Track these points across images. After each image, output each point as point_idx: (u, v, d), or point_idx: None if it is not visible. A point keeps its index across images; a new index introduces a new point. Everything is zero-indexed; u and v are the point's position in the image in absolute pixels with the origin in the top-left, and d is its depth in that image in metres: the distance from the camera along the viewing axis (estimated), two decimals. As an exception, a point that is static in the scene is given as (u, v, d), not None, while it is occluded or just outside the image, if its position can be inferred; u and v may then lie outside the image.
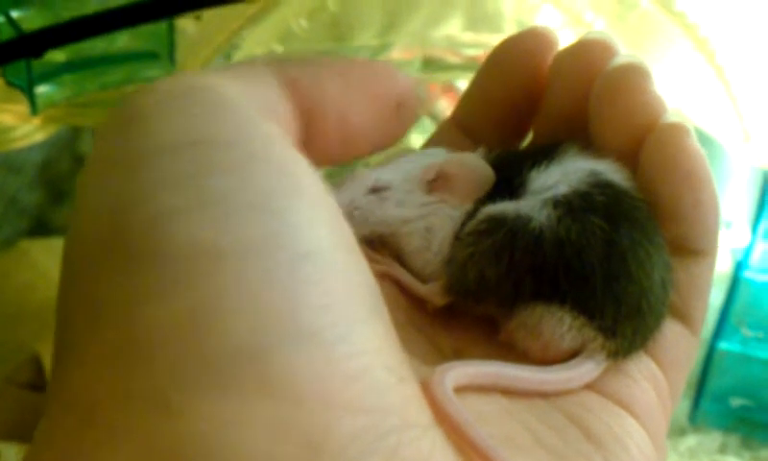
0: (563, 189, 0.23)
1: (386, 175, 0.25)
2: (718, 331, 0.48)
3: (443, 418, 0.19)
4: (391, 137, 0.25)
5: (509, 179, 0.25)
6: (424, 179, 0.25)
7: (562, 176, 0.24)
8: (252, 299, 0.16)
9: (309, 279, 0.17)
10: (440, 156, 0.26)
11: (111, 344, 0.16)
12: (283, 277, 0.17)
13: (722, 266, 0.49)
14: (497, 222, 0.23)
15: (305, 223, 0.18)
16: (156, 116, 0.19)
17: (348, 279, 0.18)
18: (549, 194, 0.23)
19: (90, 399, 0.16)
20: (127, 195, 0.18)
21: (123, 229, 0.17)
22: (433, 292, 0.25)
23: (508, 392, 0.22)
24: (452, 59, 0.48)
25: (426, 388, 0.19)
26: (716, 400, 0.49)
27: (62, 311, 0.18)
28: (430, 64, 0.48)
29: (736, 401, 0.49)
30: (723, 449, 0.48)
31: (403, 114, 0.25)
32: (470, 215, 0.25)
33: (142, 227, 0.17)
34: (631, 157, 0.24)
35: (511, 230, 0.23)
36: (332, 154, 0.24)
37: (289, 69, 0.22)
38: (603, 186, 0.23)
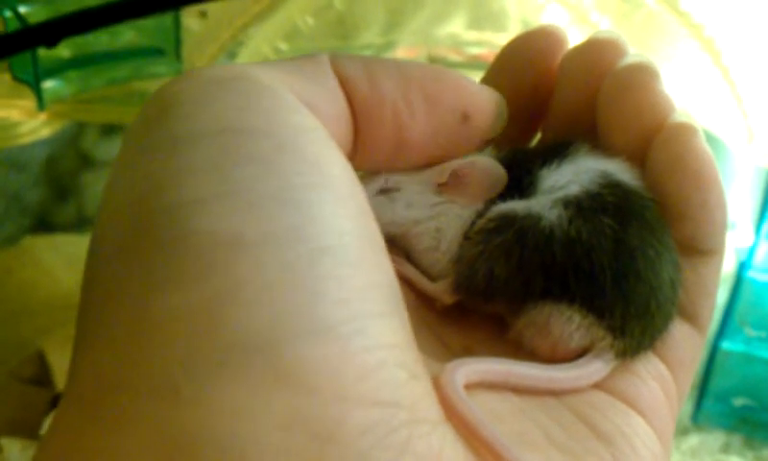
0: (574, 189, 0.23)
1: (396, 176, 0.25)
2: (721, 331, 0.48)
3: (452, 414, 0.19)
4: (451, 151, 0.24)
5: (519, 177, 0.25)
6: (438, 181, 0.25)
7: (573, 175, 0.24)
8: (269, 291, 0.16)
9: (328, 273, 0.17)
10: None
11: (123, 331, 0.16)
12: (302, 270, 0.17)
13: (725, 266, 0.49)
14: (507, 220, 0.23)
15: (328, 216, 0.18)
16: (191, 102, 0.19)
17: (367, 274, 0.18)
18: (560, 194, 0.23)
19: (97, 385, 0.16)
20: (154, 182, 0.18)
21: (147, 216, 0.17)
22: (442, 290, 0.25)
23: (517, 389, 0.22)
24: (456, 57, 0.48)
25: (437, 384, 0.19)
26: (719, 399, 0.49)
27: (82, 300, 0.18)
28: (434, 63, 0.48)
29: (739, 401, 0.49)
30: (725, 449, 0.49)
31: (469, 128, 0.23)
32: (480, 214, 0.24)
33: (165, 215, 0.17)
34: (639, 156, 0.24)
35: (521, 229, 0.23)
36: (384, 159, 0.23)
37: (348, 67, 0.22)
38: (613, 186, 0.23)
